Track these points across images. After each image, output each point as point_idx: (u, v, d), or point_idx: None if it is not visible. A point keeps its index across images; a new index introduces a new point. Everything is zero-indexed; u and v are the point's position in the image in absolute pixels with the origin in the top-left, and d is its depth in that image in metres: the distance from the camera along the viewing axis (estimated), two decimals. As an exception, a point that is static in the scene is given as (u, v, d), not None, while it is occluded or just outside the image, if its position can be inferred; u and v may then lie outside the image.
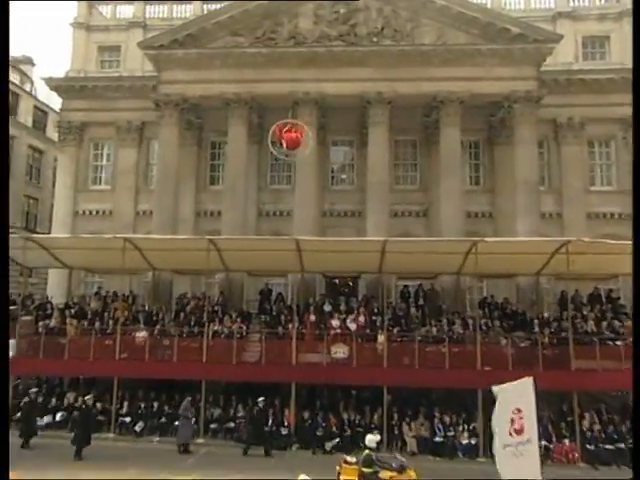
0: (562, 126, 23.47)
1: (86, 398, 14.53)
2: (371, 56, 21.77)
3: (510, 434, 8.17)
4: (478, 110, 22.78)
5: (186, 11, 25.98)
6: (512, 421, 8.20)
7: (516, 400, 8.25)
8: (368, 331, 17.02)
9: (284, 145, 14.11)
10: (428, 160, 23.66)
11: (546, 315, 18.56)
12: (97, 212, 25.03)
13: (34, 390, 15.81)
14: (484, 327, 17.01)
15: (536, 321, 17.50)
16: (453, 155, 21.46)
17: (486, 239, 16.28)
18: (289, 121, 15.09)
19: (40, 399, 16.20)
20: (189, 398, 15.28)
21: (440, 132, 21.97)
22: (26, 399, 15.18)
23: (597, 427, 15.17)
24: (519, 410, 8.15)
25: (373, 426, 15.56)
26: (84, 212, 25.12)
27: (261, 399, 15.34)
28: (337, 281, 22.81)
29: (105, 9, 26.91)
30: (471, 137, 23.61)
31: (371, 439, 10.35)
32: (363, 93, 21.84)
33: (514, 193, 21.31)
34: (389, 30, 22.11)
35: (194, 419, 15.37)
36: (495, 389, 8.59)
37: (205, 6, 25.61)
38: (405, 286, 20.73)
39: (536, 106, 21.42)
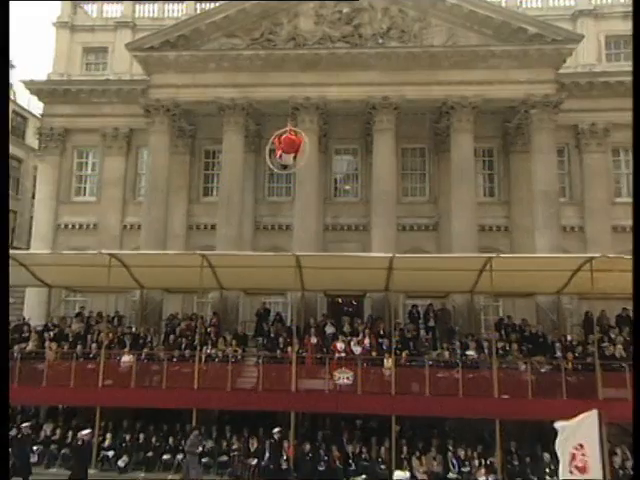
0: (584, 133, 23.51)
1: (83, 433, 13.58)
2: (376, 59, 21.89)
3: (571, 472, 7.69)
4: (492, 116, 22.89)
5: (178, 10, 26.19)
6: (573, 457, 7.73)
7: (579, 434, 7.77)
8: (374, 355, 16.88)
9: (279, 151, 13.85)
10: (438, 170, 23.76)
11: (569, 338, 18.32)
12: (81, 226, 24.93)
13: (26, 425, 15.13)
14: (501, 351, 16.81)
15: (558, 344, 17.32)
16: (465, 164, 21.47)
17: (502, 255, 16.27)
18: (289, 128, 14.91)
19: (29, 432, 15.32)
20: (196, 432, 14.61)
21: (451, 140, 22.03)
22: (17, 433, 14.61)
23: (630, 464, 14.74)
24: (581, 446, 7.65)
25: (380, 460, 15.28)
26: (66, 226, 25.05)
27: (277, 430, 15.07)
28: (340, 300, 22.81)
29: (91, 8, 27.08)
30: (485, 145, 23.74)
31: (399, 475, 9.97)
32: (368, 98, 21.93)
33: (532, 205, 21.30)
34: (396, 31, 22.26)
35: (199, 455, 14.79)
36: (558, 425, 8.13)
37: (199, 5, 25.83)
38: (414, 306, 20.56)
39: (555, 111, 21.43)
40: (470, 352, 16.92)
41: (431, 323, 19.62)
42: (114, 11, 26.86)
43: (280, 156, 12.99)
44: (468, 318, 20.04)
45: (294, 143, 13.32)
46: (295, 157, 14.73)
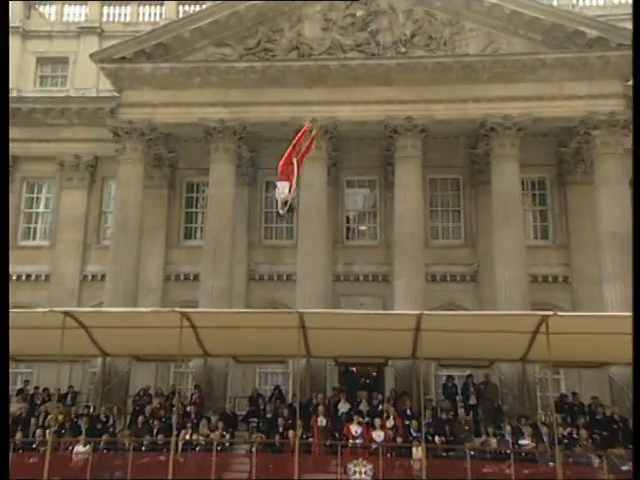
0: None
1: None
2: (398, 71, 22.13)
3: None
4: (543, 139, 23.07)
5: (156, 14, 26.77)
6: None
7: None
8: (399, 441, 16.56)
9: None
10: (476, 206, 23.97)
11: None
12: (29, 276, 24.73)
13: None
14: (565, 439, 16.35)
15: (643, 432, 16.80)
16: (510, 199, 21.43)
17: (561, 313, 15.99)
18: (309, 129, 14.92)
19: None
20: None
21: (492, 169, 22.15)
22: None
23: None
24: None
25: None
26: (11, 276, 24.88)
27: None
28: (355, 370, 22.69)
29: (48, 9, 27.56)
30: (534, 175, 23.88)
31: None
32: (388, 119, 22.10)
33: (597, 249, 21.14)
34: (421, 37, 22.59)
35: None
36: None
37: (181, 7, 26.46)
38: (449, 377, 20.29)
39: (624, 132, 21.33)
40: (524, 440, 16.51)
41: (472, 401, 19.24)
42: (77, 14, 27.29)
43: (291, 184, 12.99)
44: (520, 395, 19.56)
45: (289, 167, 13.29)
46: (290, 187, 14.74)
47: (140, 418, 18.25)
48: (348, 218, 24.95)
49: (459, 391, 19.74)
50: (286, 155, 15.20)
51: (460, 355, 18.12)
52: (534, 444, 16.34)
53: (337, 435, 16.93)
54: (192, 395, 19.76)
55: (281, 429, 17.34)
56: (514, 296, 20.36)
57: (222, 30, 23.00)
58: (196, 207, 25.25)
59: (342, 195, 24.71)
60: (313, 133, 13.96)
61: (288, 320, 16.22)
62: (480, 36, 22.30)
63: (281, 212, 15.18)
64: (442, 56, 22.10)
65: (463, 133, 23.21)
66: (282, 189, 14.27)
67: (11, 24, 26.77)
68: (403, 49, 22.42)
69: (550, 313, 15.61)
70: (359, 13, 22.79)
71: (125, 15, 27.20)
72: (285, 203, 14.28)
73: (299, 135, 15.23)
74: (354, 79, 22.25)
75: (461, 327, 16.04)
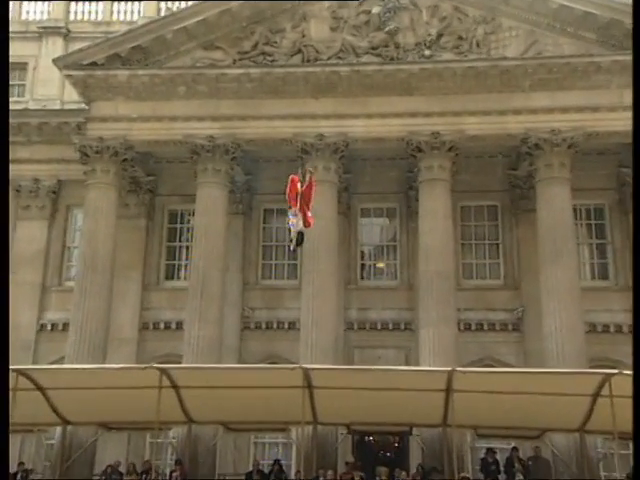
0: None
1: None
2: (422, 78, 22.14)
3: None
4: (600, 158, 23.02)
5: (133, 11, 27.04)
6: None
7: None
8: (429, 531, 16.26)
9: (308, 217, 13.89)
10: (518, 238, 23.90)
11: None
12: (-23, 325, 24.73)
13: None
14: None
15: None
16: (560, 230, 21.26)
17: (627, 371, 15.29)
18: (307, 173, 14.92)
19: None
20: None
21: (537, 194, 22.06)
22: None
23: None
24: None
25: None
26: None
27: None
28: (373, 440, 22.57)
29: (4, 6, 28.12)
30: (590, 201, 23.89)
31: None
32: (410, 135, 22.05)
33: (669, 291, 20.77)
34: (450, 38, 22.63)
35: None
36: None
37: (163, 4, 26.75)
38: (489, 450, 19.95)
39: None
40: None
41: (519, 478, 18.91)
42: (38, 12, 27.57)
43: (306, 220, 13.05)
44: (578, 473, 19.05)
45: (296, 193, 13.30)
46: (306, 221, 14.61)
47: (107, 501, 17.93)
48: (363, 254, 24.89)
49: (501, 468, 19.44)
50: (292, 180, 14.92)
51: (502, 423, 17.80)
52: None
53: (351, 521, 16.68)
54: (172, 472, 19.33)
55: (283, 514, 17.13)
56: (567, 349, 20.09)
57: (212, 31, 23.12)
58: (180, 240, 25.23)
59: (356, 226, 24.68)
60: (307, 178, 14.16)
61: (290, 378, 15.93)
62: (520, 35, 22.30)
63: (292, 247, 15.08)
64: (475, 60, 22.05)
65: (501, 151, 23.18)
66: (296, 220, 14.30)
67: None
68: (428, 52, 22.42)
69: (614, 371, 15.26)
70: (375, 10, 22.84)
71: (96, 13, 27.45)
72: (301, 237, 14.20)
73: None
74: (369, 88, 22.28)
75: (503, 387, 15.70)
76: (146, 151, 23.56)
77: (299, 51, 22.82)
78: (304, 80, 22.39)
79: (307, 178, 14.47)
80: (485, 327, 23.01)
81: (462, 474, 18.02)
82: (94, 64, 22.78)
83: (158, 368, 16.32)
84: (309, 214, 14.13)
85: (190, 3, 25.03)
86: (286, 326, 23.29)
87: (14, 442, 19.64)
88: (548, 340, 20.60)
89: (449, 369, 15.91)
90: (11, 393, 15.65)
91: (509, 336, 23.01)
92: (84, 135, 23.06)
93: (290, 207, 14.65)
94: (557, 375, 17.16)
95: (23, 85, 26.96)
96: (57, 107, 25.72)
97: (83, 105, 23.63)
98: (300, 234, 14.15)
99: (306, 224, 14.13)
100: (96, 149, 22.64)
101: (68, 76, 23.18)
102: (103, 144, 22.60)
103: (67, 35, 26.86)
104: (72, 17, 27.31)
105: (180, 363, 20.07)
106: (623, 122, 21.19)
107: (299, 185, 14.32)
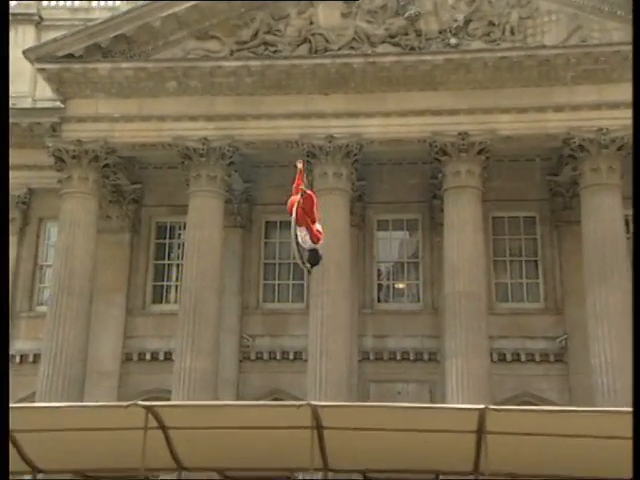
0: None
1: None
2: (447, 70, 22.21)
3: None
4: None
5: (115, -4, 27.23)
6: None
7: None
8: None
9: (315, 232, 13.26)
10: (560, 254, 24.00)
11: None
12: None
13: None
14: None
15: None
16: (610, 245, 21.17)
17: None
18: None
19: None
20: None
21: (582, 203, 22.04)
22: None
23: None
24: None
25: None
26: None
27: None
28: None
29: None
30: None
31: None
32: (433, 136, 22.10)
33: None
34: (479, 24, 22.68)
35: None
36: None
37: (150, -11, 26.84)
38: (530, 503, 19.61)
39: None
40: None
41: None
42: (6, -3, 27.88)
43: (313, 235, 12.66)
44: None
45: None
46: (314, 236, 14.15)
47: None
48: (380, 272, 25.03)
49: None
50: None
51: (545, 470, 17.00)
52: None
53: None
54: (161, 526, 19.16)
55: None
56: (620, 384, 19.64)
57: (206, 17, 23.24)
58: (169, 258, 25.40)
59: (371, 241, 24.76)
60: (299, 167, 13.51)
61: (297, 417, 15.50)
62: (562, 20, 22.33)
63: (306, 269, 14.31)
64: (508, 49, 22.03)
65: (539, 154, 23.18)
66: (302, 235, 13.79)
67: None
68: (454, 40, 22.46)
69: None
70: (393, -8, 22.94)
71: (72, -2, 27.70)
72: (316, 255, 13.48)
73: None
74: (386, 82, 22.35)
75: (544, 429, 15.04)
76: (130, 155, 23.63)
77: (306, 40, 22.90)
78: (311, 74, 22.42)
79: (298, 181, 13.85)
80: (522, 358, 22.91)
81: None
82: (71, 56, 22.80)
83: (144, 406, 16.07)
84: (316, 227, 13.65)
85: (180, -14, 25.13)
86: (291, 356, 23.32)
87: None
88: (597, 373, 20.40)
89: (481, 407, 15.35)
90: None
91: (551, 368, 22.93)
92: (59, 137, 23.11)
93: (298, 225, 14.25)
94: (608, 415, 16.90)
95: (-13, 80, 27.18)
96: (28, 106, 25.80)
97: (58, 103, 23.71)
98: (313, 252, 13.54)
99: (314, 239, 13.67)
100: (73, 153, 22.64)
101: (41, 70, 23.23)
102: (81, 148, 22.61)
103: (40, 23, 27.00)
104: (45, 3, 27.49)
105: (169, 400, 19.93)
106: (682, 120, 21.33)
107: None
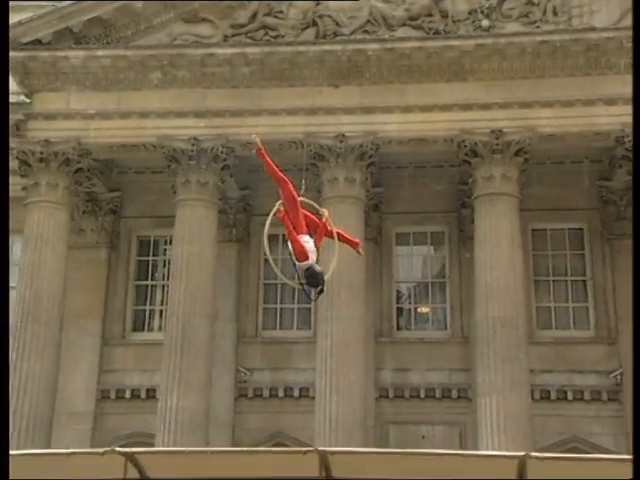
0: None
1: None
2: (479, 57, 22.17)
3: None
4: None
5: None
6: None
7: None
8: None
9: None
10: (613, 273, 23.95)
11: None
12: None
13: None
14: None
15: None
16: None
17: None
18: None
19: None
20: None
21: None
22: None
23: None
24: None
25: None
26: None
27: None
28: None
29: None
30: None
31: None
32: (463, 134, 22.14)
33: None
34: (516, 3, 22.71)
35: None
36: None
37: (132, -37, 26.90)
38: None
39: None
40: None
41: None
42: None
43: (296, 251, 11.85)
44: None
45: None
46: (296, 253, 13.50)
47: None
48: (400, 294, 25.24)
49: None
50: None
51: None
52: None
53: None
54: None
55: None
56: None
57: (195, -2, 23.39)
58: (153, 278, 25.54)
59: (390, 257, 24.88)
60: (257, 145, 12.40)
61: (303, 465, 15.48)
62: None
63: (312, 295, 13.45)
64: (550, 32, 21.97)
65: (587, 155, 23.20)
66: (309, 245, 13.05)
67: None
68: (486, 23, 22.48)
69: None
70: (414, -33, 22.99)
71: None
72: (313, 276, 12.41)
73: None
74: (407, 72, 22.35)
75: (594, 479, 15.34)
76: (108, 158, 23.79)
77: (312, 24, 22.96)
78: (319, 62, 22.41)
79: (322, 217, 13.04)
80: (569, 396, 22.86)
81: None
82: (38, 42, 22.84)
83: (122, 453, 15.99)
84: (302, 240, 12.53)
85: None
86: (296, 393, 23.38)
87: None
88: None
89: (521, 454, 15.26)
90: None
91: (604, 409, 22.86)
92: (24, 137, 23.09)
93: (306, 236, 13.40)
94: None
95: (-59, 71, 27.23)
96: (-13, 100, 25.86)
97: (23, 98, 23.72)
98: (310, 272, 12.45)
99: (297, 256, 12.55)
100: (40, 156, 22.66)
101: (2, 59, 23.38)
102: (50, 149, 22.64)
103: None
104: (8, -20, 27.52)
105: (152, 445, 19.98)
106: None
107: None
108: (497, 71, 22.06)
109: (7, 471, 11.92)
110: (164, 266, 24.89)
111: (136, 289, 25.37)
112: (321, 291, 12.53)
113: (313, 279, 12.08)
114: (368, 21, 22.83)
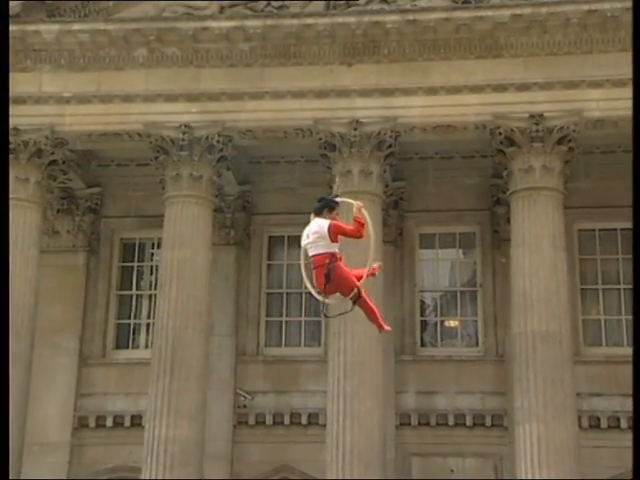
0: None
1: None
2: (515, 30, 21.97)
3: None
4: None
5: None
6: None
7: None
8: None
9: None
10: None
11: None
12: None
13: None
14: None
15: None
16: None
17: None
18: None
19: None
20: None
21: None
22: None
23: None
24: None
25: None
26: None
27: None
28: None
29: None
30: None
31: None
32: (496, 119, 22.07)
33: None
34: None
35: None
36: None
37: None
38: None
39: None
40: None
41: None
42: None
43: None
44: None
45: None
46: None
47: None
48: (424, 305, 25.26)
49: None
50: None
51: None
52: None
53: None
54: None
55: None
56: None
57: (187, -38, 23.28)
58: (138, 287, 25.53)
59: (413, 262, 24.98)
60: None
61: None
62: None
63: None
64: (600, 0, 21.55)
65: None
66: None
67: None
68: (521, -8, 22.31)
69: None
70: None
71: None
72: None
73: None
74: (431, 48, 22.24)
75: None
76: (86, 149, 23.84)
77: (321, -8, 22.79)
78: (330, 37, 22.24)
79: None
80: (623, 424, 22.60)
81: None
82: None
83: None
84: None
85: None
86: (304, 420, 23.42)
87: None
88: None
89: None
90: None
91: (663, 438, 22.66)
92: (-7, 126, 23.06)
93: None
94: None
95: None
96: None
97: (-11, 79, 23.62)
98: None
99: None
100: (10, 148, 22.20)
101: (-33, 35, 23.29)
102: (19, 139, 22.53)
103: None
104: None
105: (139, 480, 19.72)
106: None
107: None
108: (537, 46, 21.82)
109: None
110: (151, 273, 25.10)
111: (119, 300, 25.41)
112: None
113: None
114: (385, -10, 22.71)
